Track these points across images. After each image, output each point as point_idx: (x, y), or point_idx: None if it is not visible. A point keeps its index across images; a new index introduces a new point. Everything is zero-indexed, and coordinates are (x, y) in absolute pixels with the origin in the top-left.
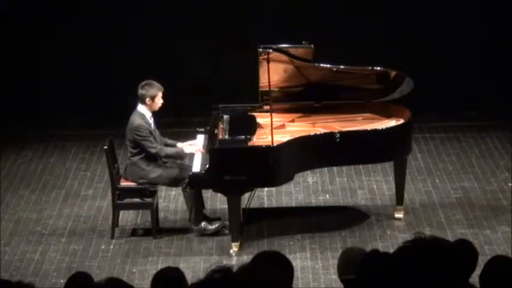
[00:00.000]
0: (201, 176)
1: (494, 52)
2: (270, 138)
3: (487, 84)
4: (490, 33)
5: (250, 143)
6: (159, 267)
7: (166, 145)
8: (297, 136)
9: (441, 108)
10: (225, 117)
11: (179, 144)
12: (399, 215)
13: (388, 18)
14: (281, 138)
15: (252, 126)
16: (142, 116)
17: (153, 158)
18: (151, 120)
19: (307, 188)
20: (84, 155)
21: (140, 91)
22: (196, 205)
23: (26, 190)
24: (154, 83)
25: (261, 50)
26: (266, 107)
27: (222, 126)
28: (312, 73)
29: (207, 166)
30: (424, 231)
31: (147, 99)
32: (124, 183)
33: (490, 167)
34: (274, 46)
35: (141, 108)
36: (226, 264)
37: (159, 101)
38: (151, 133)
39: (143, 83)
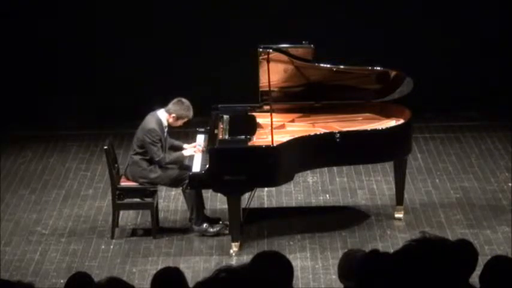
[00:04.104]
0: (201, 176)
1: (494, 52)
2: (270, 138)
3: (487, 84)
4: (490, 33)
5: (250, 143)
6: (159, 267)
7: (171, 146)
8: (297, 136)
9: (441, 108)
10: (225, 117)
11: (185, 146)
12: (399, 215)
13: (388, 19)
14: (281, 138)
15: (252, 126)
16: (159, 122)
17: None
18: (165, 129)
19: (307, 188)
20: (84, 155)
21: (173, 105)
22: (197, 205)
23: (26, 190)
24: (189, 107)
25: (261, 50)
26: (266, 107)
27: (222, 126)
28: (312, 73)
29: (207, 166)
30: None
31: (173, 115)
32: (124, 183)
33: (490, 167)
34: (274, 46)
35: (162, 114)
36: (231, 264)
37: (179, 123)
38: (160, 141)
39: (182, 100)
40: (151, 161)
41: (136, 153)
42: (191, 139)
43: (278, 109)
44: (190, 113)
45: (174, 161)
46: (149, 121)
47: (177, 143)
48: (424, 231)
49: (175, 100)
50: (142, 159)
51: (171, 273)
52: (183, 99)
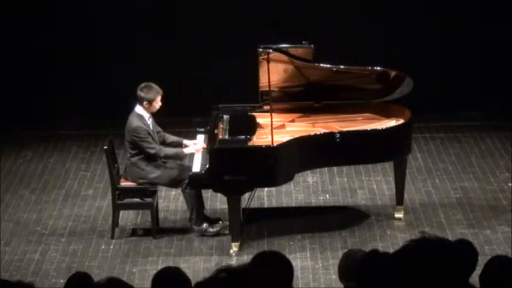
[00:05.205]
0: (201, 176)
1: (494, 52)
2: (270, 138)
3: (487, 84)
4: (490, 33)
5: (250, 143)
6: (159, 267)
7: (171, 143)
8: (297, 136)
9: (441, 108)
10: (225, 117)
11: (185, 141)
12: (399, 215)
13: (388, 18)
14: (281, 138)
15: (252, 126)
16: (141, 117)
17: (152, 158)
18: (149, 121)
19: (307, 188)
20: (84, 155)
21: (139, 93)
22: (197, 205)
23: (26, 190)
24: (154, 86)
25: (261, 50)
26: (266, 107)
27: (222, 126)
28: (312, 73)
29: (207, 166)
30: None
31: (145, 102)
32: (124, 183)
33: (490, 167)
34: (274, 46)
35: (139, 109)
36: (231, 264)
37: (157, 104)
38: (149, 134)
39: (142, 85)
40: (149, 159)
41: (133, 156)
42: (191, 139)
43: (278, 109)
44: (158, 90)
45: (173, 156)
46: (131, 121)
47: (176, 139)
48: (424, 231)
49: (138, 90)
50: (140, 159)
51: (171, 273)
52: (144, 84)
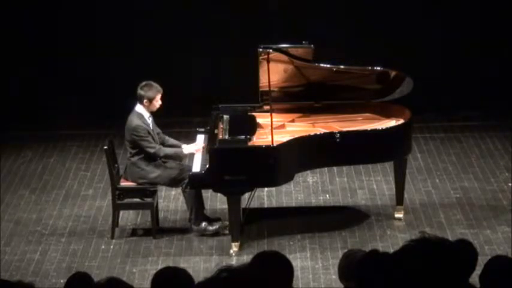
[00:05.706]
0: (201, 176)
1: (494, 52)
2: (270, 138)
3: (487, 84)
4: (490, 33)
5: (250, 143)
6: (159, 267)
7: (170, 145)
8: (297, 136)
9: (441, 108)
10: (225, 117)
11: (184, 146)
12: (399, 215)
13: (388, 19)
14: (281, 138)
15: (252, 126)
16: (140, 116)
17: (152, 158)
18: (149, 120)
19: (307, 188)
20: (84, 155)
21: (139, 92)
22: (196, 205)
23: (26, 190)
24: (154, 84)
25: (261, 50)
26: (266, 107)
27: (222, 126)
28: (312, 73)
29: (207, 166)
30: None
31: (145, 100)
32: (124, 183)
33: (490, 167)
34: (274, 46)
35: (139, 108)
36: (232, 264)
37: (157, 103)
38: (149, 133)
39: (143, 83)
40: (149, 159)
41: (133, 155)
42: (191, 139)
43: (278, 109)
44: (159, 88)
45: (173, 156)
46: (131, 120)
47: (175, 142)
48: (424, 231)
49: (138, 89)
50: (140, 159)
51: (171, 273)
52: (144, 83)
